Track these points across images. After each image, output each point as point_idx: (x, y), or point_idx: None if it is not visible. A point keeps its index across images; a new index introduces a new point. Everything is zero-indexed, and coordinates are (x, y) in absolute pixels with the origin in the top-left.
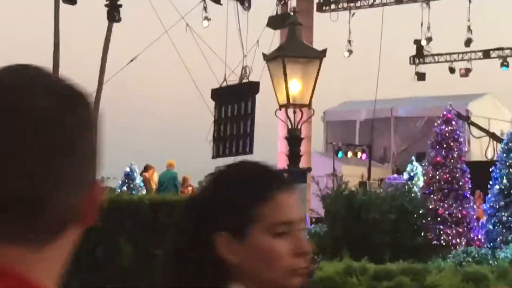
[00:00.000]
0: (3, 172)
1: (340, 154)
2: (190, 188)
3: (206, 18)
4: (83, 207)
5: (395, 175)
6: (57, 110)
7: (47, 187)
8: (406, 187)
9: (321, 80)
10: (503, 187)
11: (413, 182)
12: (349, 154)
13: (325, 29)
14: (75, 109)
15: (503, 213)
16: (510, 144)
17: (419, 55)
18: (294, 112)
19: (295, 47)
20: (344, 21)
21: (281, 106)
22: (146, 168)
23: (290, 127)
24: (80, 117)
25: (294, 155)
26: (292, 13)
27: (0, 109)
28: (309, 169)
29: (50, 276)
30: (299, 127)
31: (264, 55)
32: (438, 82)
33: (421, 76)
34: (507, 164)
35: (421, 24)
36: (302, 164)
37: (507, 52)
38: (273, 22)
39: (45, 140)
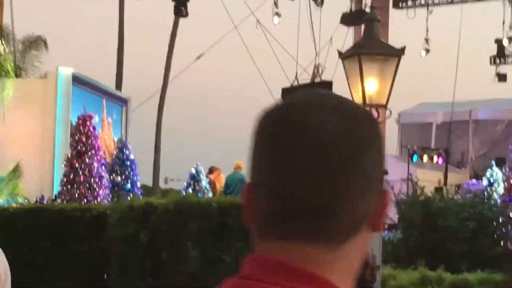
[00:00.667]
0: (295, 179)
1: (415, 158)
2: None
3: (277, 14)
4: (373, 212)
5: (474, 181)
6: (344, 126)
7: (334, 195)
8: (486, 193)
9: (398, 80)
10: None
11: (493, 188)
12: (425, 158)
13: (402, 27)
14: (360, 126)
15: None
16: None
17: (500, 55)
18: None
19: (372, 45)
20: (421, 19)
21: None
22: (211, 170)
23: None
24: (364, 134)
25: None
26: (368, 9)
27: (293, 124)
28: (385, 172)
29: (344, 276)
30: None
31: (339, 52)
32: None
33: (502, 77)
34: None
35: (503, 22)
36: (387, 170)
37: None
38: (347, 19)
39: (332, 154)
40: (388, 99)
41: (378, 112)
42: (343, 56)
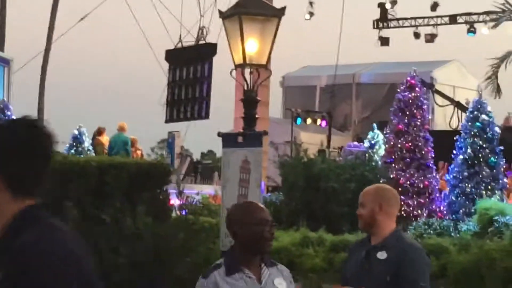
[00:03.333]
0: None
1: (298, 120)
2: (139, 152)
3: None
4: None
5: (355, 143)
6: None
7: None
8: (367, 155)
9: (280, 44)
10: (467, 157)
11: (374, 150)
12: (308, 121)
13: None
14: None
15: (466, 184)
16: (475, 112)
17: (383, 19)
18: (251, 73)
19: (252, 5)
20: None
21: (237, 66)
22: (100, 132)
23: (246, 88)
24: None
25: (249, 117)
26: None
27: None
28: (265, 132)
29: None
30: (255, 88)
31: (220, 12)
32: (402, 47)
33: (384, 41)
34: (472, 133)
35: None
36: (259, 130)
37: (474, 17)
38: None
39: None
40: (268, 59)
41: (258, 72)
42: (224, 15)
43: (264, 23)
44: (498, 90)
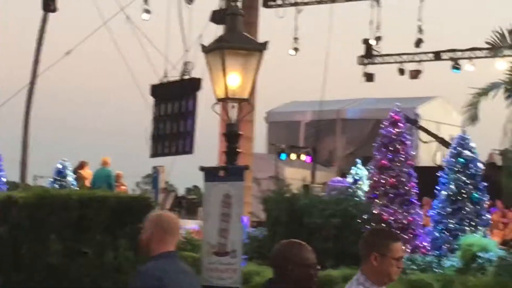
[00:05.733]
0: None
1: (283, 156)
2: (123, 187)
3: (147, 11)
4: None
5: (339, 178)
6: None
7: None
8: (351, 191)
9: (265, 80)
10: (450, 193)
11: (358, 186)
12: (293, 156)
13: (271, 26)
14: None
15: (449, 220)
16: (458, 148)
17: (368, 55)
18: (233, 107)
19: (235, 39)
20: (291, 18)
21: (219, 100)
22: (81, 165)
23: (228, 122)
24: None
25: (231, 151)
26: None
27: None
28: (246, 167)
29: None
30: (237, 122)
31: (202, 46)
32: (387, 83)
33: (369, 77)
34: (455, 169)
35: (370, 23)
36: (249, 166)
37: (459, 54)
38: (216, 17)
39: None
40: (250, 94)
41: (240, 106)
42: (206, 49)
43: (246, 57)
44: (474, 118)
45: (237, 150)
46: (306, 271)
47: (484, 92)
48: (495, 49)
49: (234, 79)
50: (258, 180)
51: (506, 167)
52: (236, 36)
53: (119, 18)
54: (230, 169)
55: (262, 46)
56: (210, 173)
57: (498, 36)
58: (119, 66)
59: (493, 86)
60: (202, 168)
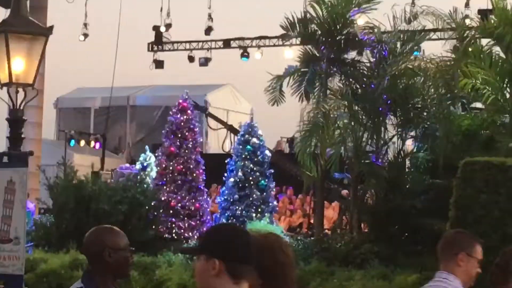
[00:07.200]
0: None
1: (72, 142)
2: None
3: None
4: None
5: (127, 165)
6: None
7: None
8: (138, 177)
9: (55, 65)
10: (238, 180)
11: (146, 172)
12: (82, 142)
13: (61, 11)
14: None
15: (237, 207)
16: (246, 136)
17: (158, 42)
18: (17, 92)
19: (19, 23)
20: (81, 3)
21: (3, 85)
22: None
23: (12, 108)
24: None
25: (15, 137)
26: None
27: None
28: (30, 153)
29: None
30: (21, 108)
31: None
32: (177, 71)
33: (159, 64)
34: (243, 156)
35: (161, 10)
36: (32, 150)
37: (248, 42)
38: (4, 1)
39: None
40: (35, 78)
41: (25, 91)
42: None
43: (31, 42)
44: (278, 100)
45: (21, 136)
46: (123, 255)
47: (283, 76)
48: (285, 35)
49: (18, 64)
50: (44, 167)
51: (293, 155)
52: (20, 20)
53: None
54: (13, 155)
55: (47, 31)
56: None
57: (288, 23)
58: None
59: (290, 71)
60: None
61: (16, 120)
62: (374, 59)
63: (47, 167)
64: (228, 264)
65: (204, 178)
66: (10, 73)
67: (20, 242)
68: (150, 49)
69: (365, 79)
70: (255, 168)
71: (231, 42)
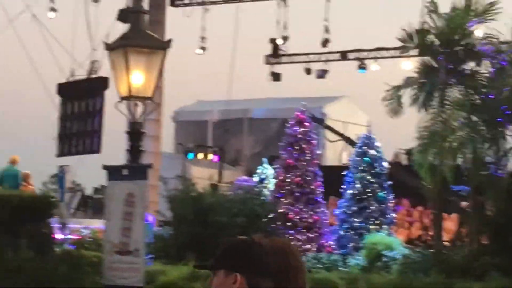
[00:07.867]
0: None
1: (190, 155)
2: (30, 187)
3: (53, 9)
4: None
5: (245, 177)
6: None
7: None
8: (257, 190)
9: (173, 79)
10: (356, 192)
11: (264, 185)
12: (200, 155)
13: (179, 25)
14: None
15: (355, 219)
16: (364, 147)
17: (275, 55)
18: (136, 105)
19: (138, 37)
20: (198, 17)
21: (122, 98)
22: None
23: (131, 121)
24: None
25: (134, 150)
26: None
27: None
28: (150, 166)
29: None
30: (140, 120)
31: (105, 44)
32: (294, 83)
33: (276, 77)
34: (361, 168)
35: (278, 22)
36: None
37: (365, 54)
38: (124, 16)
39: None
40: (154, 92)
41: (144, 104)
42: (109, 47)
43: (150, 56)
44: (397, 111)
45: (140, 148)
46: None
47: (402, 86)
48: (403, 47)
49: (138, 77)
50: (165, 179)
51: (411, 167)
52: (139, 34)
53: (24, 16)
54: (133, 168)
55: (166, 44)
56: (113, 172)
57: (406, 35)
58: (24, 65)
59: (408, 82)
60: (105, 167)
61: (135, 133)
62: (493, 70)
63: (166, 180)
64: (248, 278)
65: (322, 190)
66: (129, 86)
67: (140, 254)
68: (267, 62)
69: (484, 90)
70: (373, 180)
71: (348, 54)
